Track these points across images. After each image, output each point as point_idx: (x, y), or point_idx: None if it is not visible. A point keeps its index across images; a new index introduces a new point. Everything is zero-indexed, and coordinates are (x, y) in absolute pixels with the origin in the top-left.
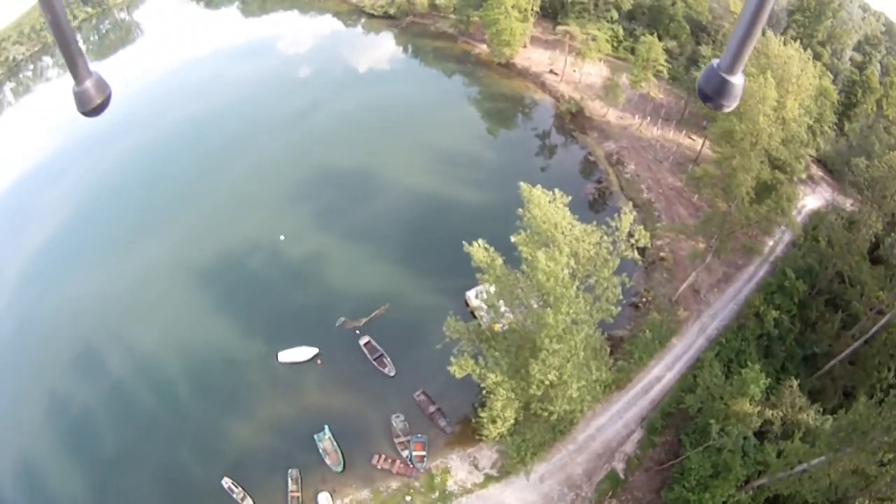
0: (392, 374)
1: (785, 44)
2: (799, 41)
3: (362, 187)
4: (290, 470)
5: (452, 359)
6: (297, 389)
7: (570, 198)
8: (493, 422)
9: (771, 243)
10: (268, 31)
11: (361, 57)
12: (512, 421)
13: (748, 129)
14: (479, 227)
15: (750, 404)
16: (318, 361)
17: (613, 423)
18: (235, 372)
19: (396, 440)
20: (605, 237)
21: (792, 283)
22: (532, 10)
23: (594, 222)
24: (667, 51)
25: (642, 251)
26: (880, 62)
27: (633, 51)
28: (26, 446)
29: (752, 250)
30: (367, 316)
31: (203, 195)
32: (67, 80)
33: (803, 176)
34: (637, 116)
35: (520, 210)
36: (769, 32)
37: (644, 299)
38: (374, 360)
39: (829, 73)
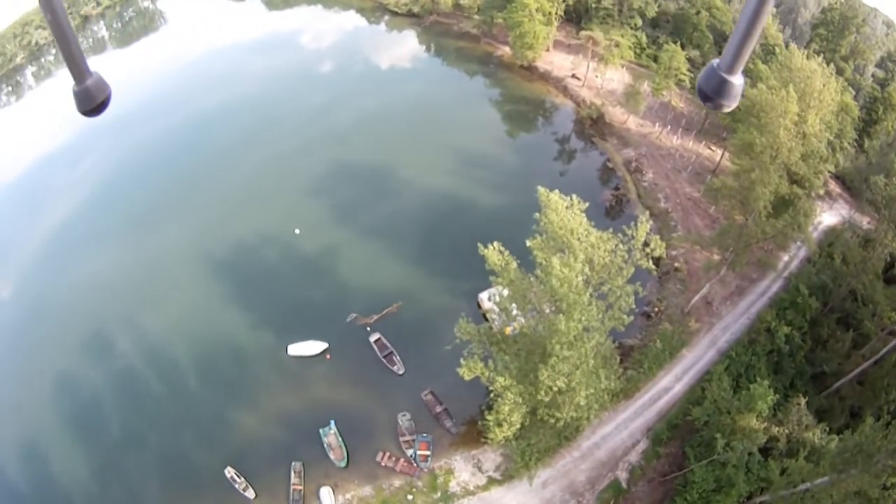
0: (401, 372)
1: (808, 58)
2: (822, 55)
3: (379, 184)
4: (293, 463)
5: (462, 361)
6: (304, 383)
7: (587, 204)
8: (500, 425)
9: (786, 258)
10: (291, 24)
11: (383, 54)
12: (518, 425)
13: (768, 142)
14: (494, 229)
15: (757, 420)
16: (327, 356)
17: (619, 433)
18: (244, 362)
19: (401, 438)
20: (621, 245)
21: (805, 300)
22: (556, 13)
23: (610, 229)
24: (689, 60)
25: (657, 261)
26: None
27: (655, 58)
28: (33, 425)
29: (767, 265)
30: (378, 313)
31: (221, 185)
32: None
33: (821, 192)
34: (657, 125)
35: (536, 214)
36: (793, 45)
37: (656, 309)
38: (384, 357)
39: (850, 88)
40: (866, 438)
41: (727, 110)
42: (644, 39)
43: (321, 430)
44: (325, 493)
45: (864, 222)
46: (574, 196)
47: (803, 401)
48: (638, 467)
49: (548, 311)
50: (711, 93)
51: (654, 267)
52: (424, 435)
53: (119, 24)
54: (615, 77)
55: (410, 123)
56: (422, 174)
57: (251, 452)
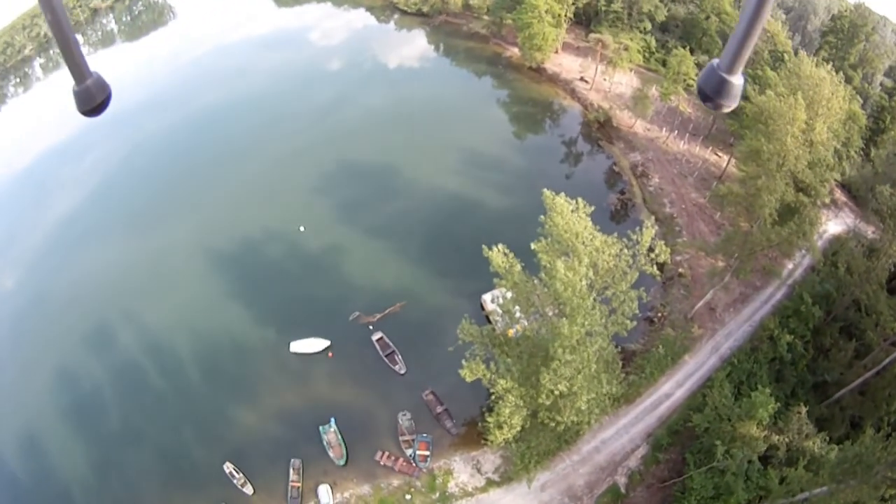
0: (402, 371)
1: (817, 65)
2: (831, 63)
3: (385, 183)
4: (292, 460)
5: (464, 362)
6: (305, 380)
7: (592, 207)
8: (500, 427)
9: (790, 266)
10: (300, 21)
11: (392, 53)
12: (518, 428)
13: (776, 149)
14: (499, 230)
15: (757, 428)
16: (330, 354)
17: (619, 437)
18: (246, 358)
19: (401, 438)
20: (626, 250)
21: (808, 309)
22: (566, 16)
23: (615, 234)
24: (698, 65)
25: (661, 266)
26: None
27: (664, 63)
28: (34, 417)
29: (771, 272)
30: (381, 312)
31: (227, 181)
32: (95, 58)
33: (826, 200)
34: (664, 129)
35: (541, 217)
36: (802, 53)
37: (659, 314)
38: (386, 356)
39: (858, 97)
40: (866, 449)
41: (727, 110)
42: (653, 43)
43: (321, 428)
44: (324, 490)
45: (869, 232)
46: (580, 199)
47: (804, 410)
48: (637, 472)
49: (551, 314)
50: (711, 93)
51: (658, 272)
52: (424, 435)
53: (128, 18)
54: (623, 81)
55: (418, 123)
56: (428, 174)
57: (250, 448)
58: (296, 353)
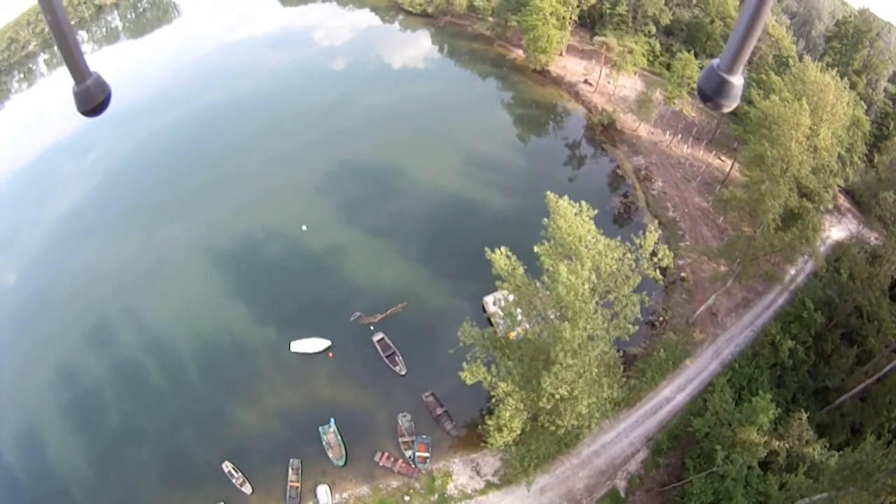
0: (403, 372)
1: (822, 71)
2: (835, 69)
3: (388, 184)
4: (291, 460)
5: (465, 364)
6: (306, 380)
7: (596, 211)
8: (500, 430)
9: (792, 272)
10: (305, 20)
11: (396, 54)
12: (518, 431)
13: (780, 154)
14: (502, 232)
15: (757, 433)
16: (330, 354)
17: (619, 441)
18: (246, 357)
19: (401, 439)
20: (628, 254)
21: (810, 315)
22: (570, 18)
23: (618, 237)
24: (702, 69)
25: (663, 270)
26: None
27: (668, 66)
28: (33, 414)
29: (774, 278)
30: (382, 313)
31: (230, 179)
32: (99, 55)
33: (830, 206)
34: (668, 133)
35: (545, 220)
36: (807, 58)
37: (661, 318)
38: (386, 357)
39: (862, 102)
40: (867, 456)
41: (727, 110)
42: (657, 47)
43: (321, 428)
44: (323, 490)
45: (872, 238)
46: (583, 202)
47: (805, 415)
48: (637, 477)
49: (553, 317)
50: (711, 93)
51: (660, 277)
52: (424, 436)
53: (133, 15)
54: (627, 84)
55: (421, 124)
56: (431, 175)
57: (250, 447)
58: (296, 353)
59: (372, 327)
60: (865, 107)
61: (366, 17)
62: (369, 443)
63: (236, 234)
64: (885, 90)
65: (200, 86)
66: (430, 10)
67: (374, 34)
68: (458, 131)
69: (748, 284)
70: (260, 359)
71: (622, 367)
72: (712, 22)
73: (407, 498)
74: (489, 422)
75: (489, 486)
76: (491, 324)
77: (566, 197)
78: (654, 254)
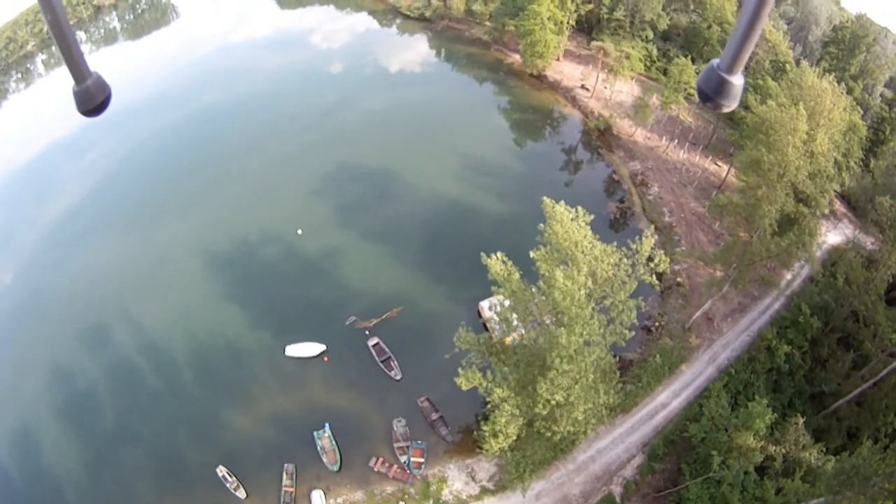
0: (398, 377)
1: (820, 76)
2: (832, 74)
3: (384, 188)
4: (286, 464)
5: (460, 370)
6: (300, 385)
7: (592, 216)
8: (495, 436)
9: (789, 277)
10: (303, 24)
11: (394, 57)
12: (514, 437)
13: (776, 159)
14: (497, 237)
15: (754, 438)
16: (325, 358)
17: (615, 447)
18: (241, 361)
19: (396, 444)
20: (625, 259)
21: (806, 320)
22: (568, 23)
23: (615, 242)
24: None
25: (659, 275)
26: None
27: (665, 72)
28: (27, 416)
29: (770, 283)
30: (378, 317)
31: (225, 182)
32: (97, 56)
33: (826, 211)
34: (664, 138)
35: (541, 225)
36: (804, 63)
37: (657, 324)
38: (382, 362)
39: (858, 107)
40: (863, 461)
41: (727, 110)
42: (654, 52)
43: (315, 433)
44: (317, 496)
45: (868, 243)
46: (580, 208)
47: (801, 420)
48: (633, 482)
49: (549, 322)
50: (711, 93)
51: (656, 282)
52: (419, 442)
53: (131, 17)
54: (624, 89)
55: (418, 127)
56: (427, 179)
57: (244, 452)
58: (291, 357)
59: (367, 332)
60: (862, 112)
61: (363, 21)
62: (364, 448)
63: (232, 236)
64: (881, 95)
65: (198, 87)
66: (427, 14)
67: (371, 38)
68: (454, 135)
69: (744, 289)
70: (255, 363)
71: (618, 373)
72: (709, 27)
73: (401, 503)
74: (485, 427)
75: (484, 491)
76: (486, 329)
77: (562, 202)
78: (650, 259)
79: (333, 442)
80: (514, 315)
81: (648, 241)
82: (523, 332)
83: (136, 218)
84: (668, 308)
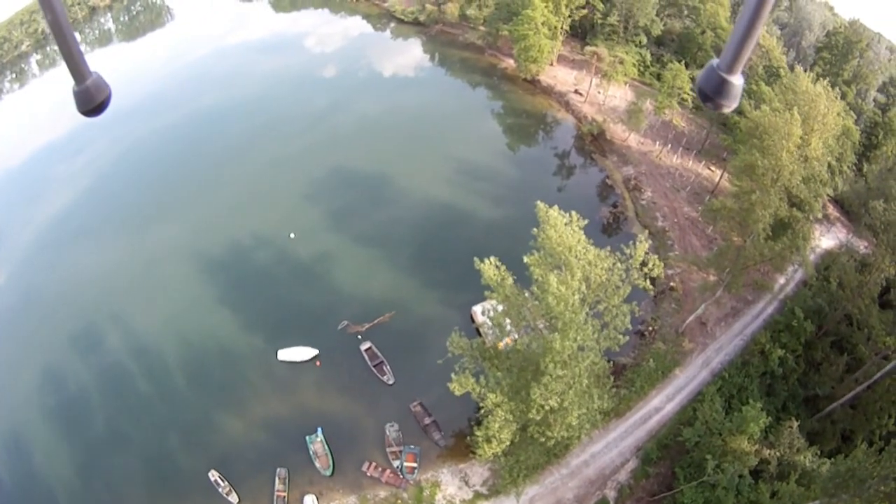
0: (390, 382)
1: (814, 81)
2: (825, 79)
3: (377, 192)
4: (278, 469)
5: (453, 375)
6: (293, 389)
7: (586, 221)
8: (489, 441)
9: (782, 281)
10: (297, 27)
11: (387, 61)
12: (508, 442)
13: (771, 164)
14: (490, 242)
15: (748, 442)
16: (317, 363)
17: (609, 451)
18: (233, 365)
19: (388, 449)
20: (619, 264)
21: (800, 323)
22: (562, 28)
23: (608, 247)
24: (692, 79)
25: (653, 280)
26: None
27: (659, 77)
28: (17, 418)
29: (763, 287)
30: (370, 322)
31: (218, 185)
32: (91, 57)
33: (819, 215)
34: (658, 143)
35: (534, 229)
36: (798, 68)
37: (650, 328)
38: (374, 366)
39: (852, 112)
40: (859, 464)
41: (727, 110)
42: (648, 57)
43: (308, 438)
44: (309, 500)
45: (862, 247)
46: (573, 212)
47: (795, 424)
48: (627, 486)
49: (542, 327)
50: (711, 93)
51: (650, 287)
52: (412, 446)
53: (126, 18)
54: (618, 94)
55: (411, 132)
56: (420, 183)
57: (236, 456)
58: (283, 361)
59: (359, 336)
60: (855, 116)
61: (357, 25)
62: (357, 452)
63: (224, 239)
64: (874, 100)
65: (192, 90)
66: (421, 18)
67: (365, 42)
68: (447, 140)
69: (738, 294)
70: (247, 367)
71: (612, 377)
72: (703, 32)
73: None
74: (478, 433)
75: (478, 496)
76: (479, 334)
77: (556, 206)
78: (643, 264)
79: (326, 446)
80: (508, 320)
81: (642, 245)
82: (516, 336)
83: (128, 220)
84: (662, 312)
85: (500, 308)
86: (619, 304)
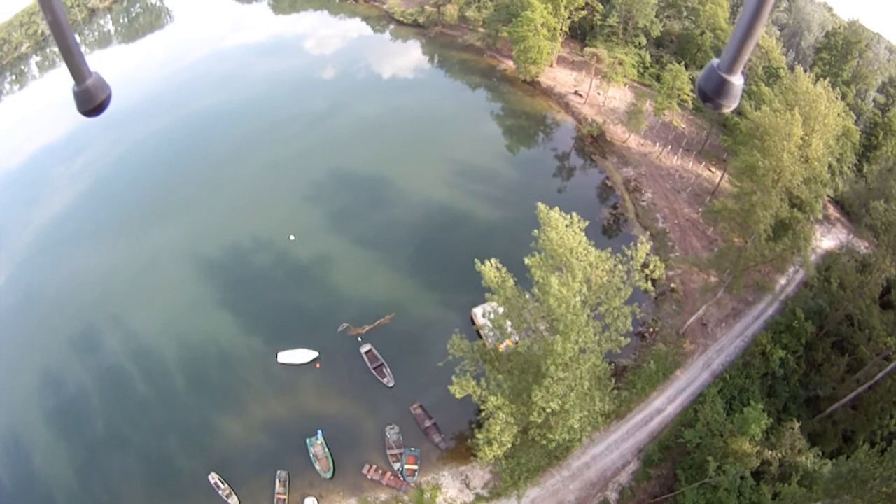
0: (391, 384)
1: (814, 81)
2: (825, 79)
3: (377, 194)
4: (278, 471)
5: (454, 378)
6: (293, 391)
7: (587, 222)
8: (490, 444)
9: (783, 282)
10: (296, 29)
11: (387, 63)
12: (509, 445)
13: (771, 165)
14: (491, 243)
15: (749, 443)
16: (317, 365)
17: (610, 453)
18: (233, 368)
19: (389, 452)
20: (620, 266)
21: (801, 324)
22: (561, 29)
23: (608, 249)
24: (692, 80)
25: (653, 282)
26: None
27: (658, 78)
28: (16, 420)
29: (764, 288)
30: (370, 324)
31: (217, 187)
32: (90, 58)
33: (820, 216)
34: (658, 144)
35: (535, 231)
36: (798, 68)
37: (651, 329)
38: (374, 369)
39: (852, 112)
40: (861, 464)
41: (727, 110)
42: (648, 58)
43: (308, 440)
44: (310, 503)
45: (862, 247)
46: (574, 214)
47: (797, 425)
48: (628, 488)
49: (543, 330)
50: (711, 93)
51: (652, 288)
52: (412, 449)
53: (125, 20)
54: (617, 95)
55: (411, 134)
56: (420, 185)
57: (236, 459)
58: (283, 364)
59: (359, 339)
60: (855, 117)
61: (357, 27)
62: (357, 455)
63: (224, 242)
64: (874, 100)
65: (191, 92)
66: (420, 20)
67: (364, 43)
68: (447, 142)
69: (738, 295)
70: (247, 369)
71: (613, 379)
72: (703, 34)
73: None
74: (479, 435)
75: (479, 499)
76: (480, 336)
77: (556, 208)
78: (645, 265)
79: (326, 449)
80: (509, 322)
81: (644, 247)
82: (517, 339)
83: (127, 222)
84: (663, 314)
85: (500, 310)
86: (620, 305)
